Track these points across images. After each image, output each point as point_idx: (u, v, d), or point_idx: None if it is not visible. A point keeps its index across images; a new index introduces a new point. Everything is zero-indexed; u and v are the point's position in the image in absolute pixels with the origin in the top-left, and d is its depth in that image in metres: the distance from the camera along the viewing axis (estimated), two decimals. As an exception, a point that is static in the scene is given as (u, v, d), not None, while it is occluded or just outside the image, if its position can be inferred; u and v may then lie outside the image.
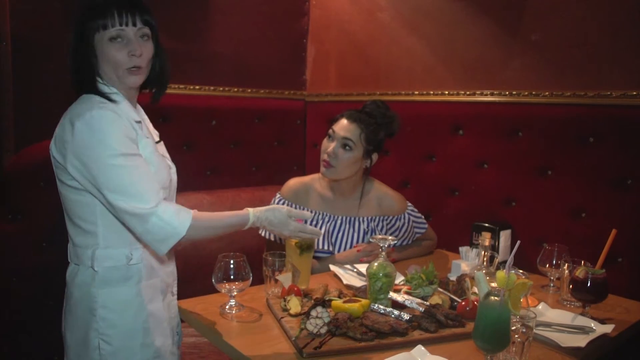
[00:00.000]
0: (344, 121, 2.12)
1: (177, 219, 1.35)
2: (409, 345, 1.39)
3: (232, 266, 1.60)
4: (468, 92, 2.49)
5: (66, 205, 1.46)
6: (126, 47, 1.42)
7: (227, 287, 1.61)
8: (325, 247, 2.14)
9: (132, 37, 1.43)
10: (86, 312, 1.44)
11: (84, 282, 1.45)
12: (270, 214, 1.53)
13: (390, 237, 1.64)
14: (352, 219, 2.20)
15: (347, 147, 2.08)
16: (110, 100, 1.44)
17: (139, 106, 1.62)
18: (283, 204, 2.18)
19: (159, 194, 1.38)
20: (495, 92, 2.39)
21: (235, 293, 1.63)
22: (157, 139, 1.63)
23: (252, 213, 1.50)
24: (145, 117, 1.63)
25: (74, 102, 1.45)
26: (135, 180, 1.34)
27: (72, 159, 1.36)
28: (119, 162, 1.33)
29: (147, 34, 1.47)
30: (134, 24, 1.42)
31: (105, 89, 1.47)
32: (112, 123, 1.36)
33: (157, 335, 1.51)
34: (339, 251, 2.16)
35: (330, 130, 2.13)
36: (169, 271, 1.61)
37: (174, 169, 1.62)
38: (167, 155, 1.65)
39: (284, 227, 1.55)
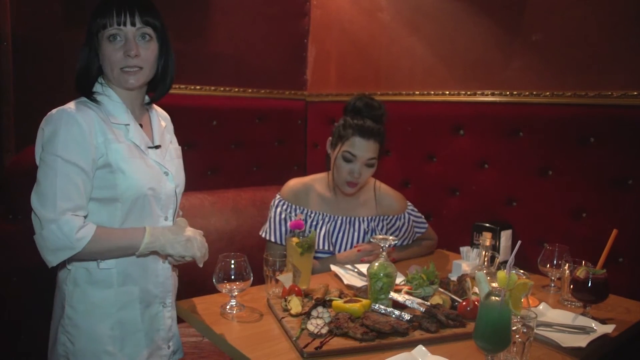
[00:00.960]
0: (360, 141, 2.03)
1: (76, 234, 1.32)
2: (410, 345, 1.39)
3: (232, 266, 1.60)
4: (469, 92, 2.49)
5: None
6: (123, 47, 1.42)
7: (228, 287, 1.60)
8: (326, 247, 2.14)
9: (130, 37, 1.42)
10: (59, 307, 1.49)
11: (61, 278, 1.50)
12: (173, 234, 1.47)
13: (390, 237, 1.64)
14: (353, 219, 2.20)
15: (372, 165, 2.08)
16: (94, 100, 1.46)
17: (155, 110, 1.63)
18: (283, 204, 2.18)
19: (73, 210, 1.34)
20: (495, 92, 2.39)
21: (236, 293, 1.63)
22: (157, 143, 1.57)
23: (149, 231, 1.44)
24: (155, 121, 1.62)
25: None
26: (54, 185, 1.33)
27: (36, 148, 1.42)
28: (51, 163, 1.35)
29: (148, 33, 1.45)
30: (133, 24, 1.42)
31: (98, 88, 1.49)
32: (66, 125, 1.36)
33: (126, 345, 1.49)
34: (339, 251, 2.16)
35: (348, 154, 2.04)
36: (159, 282, 1.55)
37: (171, 177, 1.57)
38: (173, 162, 1.60)
39: (185, 244, 1.47)
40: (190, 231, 1.51)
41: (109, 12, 1.41)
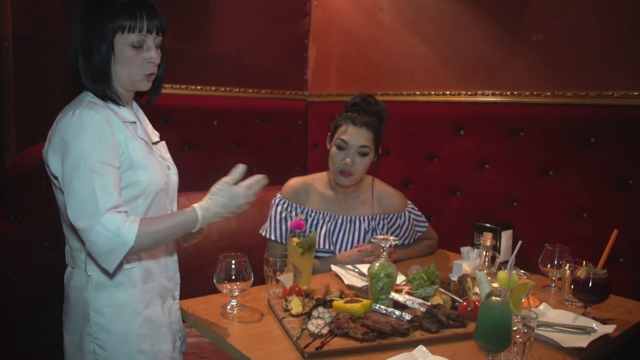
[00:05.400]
0: (352, 129, 2.08)
1: (122, 229, 1.27)
2: (411, 345, 1.39)
3: (233, 266, 1.60)
4: (469, 93, 2.48)
5: (61, 208, 1.45)
6: (146, 54, 1.43)
7: (229, 287, 1.61)
8: (327, 247, 2.14)
9: (151, 45, 1.44)
10: (81, 316, 1.44)
11: (78, 285, 1.44)
12: (215, 195, 1.42)
13: (391, 237, 1.64)
14: (353, 218, 2.20)
15: (364, 154, 2.09)
16: (108, 99, 1.43)
17: (136, 106, 1.61)
18: (283, 203, 2.18)
19: (115, 207, 1.30)
20: (496, 92, 2.39)
21: (237, 293, 1.63)
22: (157, 139, 1.61)
23: (197, 206, 1.41)
24: (143, 118, 1.62)
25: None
26: (91, 191, 1.28)
27: (52, 157, 1.35)
28: (83, 168, 1.29)
29: (160, 41, 1.48)
30: (157, 32, 1.44)
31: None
32: (90, 124, 1.32)
33: (155, 340, 1.49)
34: (340, 251, 2.16)
35: (340, 142, 2.08)
36: (170, 275, 1.59)
37: (174, 170, 1.60)
38: (168, 155, 1.63)
39: (236, 197, 1.43)
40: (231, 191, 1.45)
41: (134, 16, 1.39)
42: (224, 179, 1.45)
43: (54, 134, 1.36)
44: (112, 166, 1.34)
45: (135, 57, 1.42)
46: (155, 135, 1.63)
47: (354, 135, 2.07)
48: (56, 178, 1.38)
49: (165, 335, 1.54)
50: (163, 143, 1.65)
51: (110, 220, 1.27)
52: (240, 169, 1.47)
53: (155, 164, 1.48)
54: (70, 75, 1.45)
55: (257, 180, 1.47)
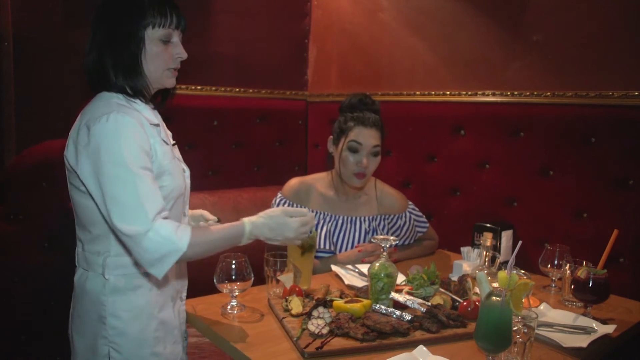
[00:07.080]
0: (363, 129, 2.08)
1: (176, 235, 1.28)
2: (411, 345, 1.39)
3: (233, 266, 1.60)
4: (470, 93, 2.48)
5: (77, 211, 1.43)
6: (174, 49, 1.44)
7: (229, 287, 1.60)
8: (327, 247, 2.14)
9: (177, 41, 1.45)
10: (95, 319, 1.42)
11: (93, 289, 1.42)
12: (267, 219, 1.44)
13: (392, 237, 1.64)
14: (354, 218, 2.20)
15: (377, 154, 2.10)
16: (139, 94, 1.42)
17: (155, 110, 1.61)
18: (284, 203, 2.18)
19: (160, 212, 1.30)
20: (496, 92, 2.39)
21: (237, 293, 1.63)
22: (172, 141, 1.59)
23: (246, 221, 1.43)
24: (160, 119, 1.61)
25: (90, 101, 1.41)
26: (136, 196, 1.27)
27: (85, 163, 1.32)
28: (125, 175, 1.28)
29: (181, 38, 1.48)
30: (184, 29, 1.46)
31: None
32: (128, 130, 1.31)
33: (168, 343, 1.49)
34: (340, 251, 2.16)
35: (354, 144, 2.06)
36: (180, 278, 1.58)
37: (187, 173, 1.58)
38: (181, 158, 1.61)
39: (286, 229, 1.45)
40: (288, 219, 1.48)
41: (162, 11, 1.40)
42: (285, 208, 1.51)
43: (89, 140, 1.31)
44: (150, 170, 1.34)
45: (164, 52, 1.42)
46: (171, 138, 1.61)
47: (366, 136, 2.07)
48: (83, 184, 1.34)
49: (177, 337, 1.54)
50: (176, 146, 1.63)
51: (163, 226, 1.27)
52: (303, 212, 1.52)
53: (177, 168, 1.47)
54: (88, 74, 1.43)
55: (309, 221, 1.51)
